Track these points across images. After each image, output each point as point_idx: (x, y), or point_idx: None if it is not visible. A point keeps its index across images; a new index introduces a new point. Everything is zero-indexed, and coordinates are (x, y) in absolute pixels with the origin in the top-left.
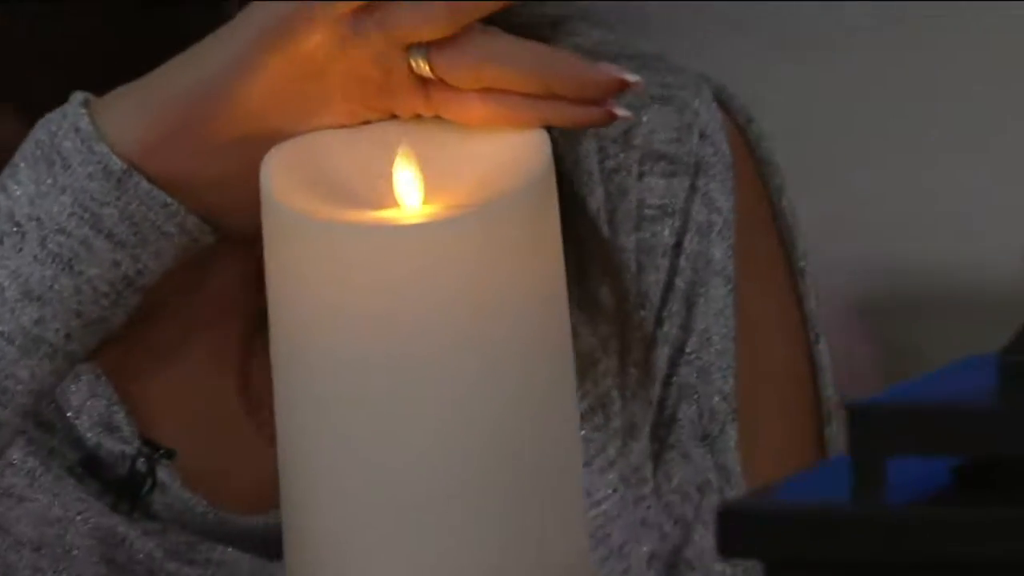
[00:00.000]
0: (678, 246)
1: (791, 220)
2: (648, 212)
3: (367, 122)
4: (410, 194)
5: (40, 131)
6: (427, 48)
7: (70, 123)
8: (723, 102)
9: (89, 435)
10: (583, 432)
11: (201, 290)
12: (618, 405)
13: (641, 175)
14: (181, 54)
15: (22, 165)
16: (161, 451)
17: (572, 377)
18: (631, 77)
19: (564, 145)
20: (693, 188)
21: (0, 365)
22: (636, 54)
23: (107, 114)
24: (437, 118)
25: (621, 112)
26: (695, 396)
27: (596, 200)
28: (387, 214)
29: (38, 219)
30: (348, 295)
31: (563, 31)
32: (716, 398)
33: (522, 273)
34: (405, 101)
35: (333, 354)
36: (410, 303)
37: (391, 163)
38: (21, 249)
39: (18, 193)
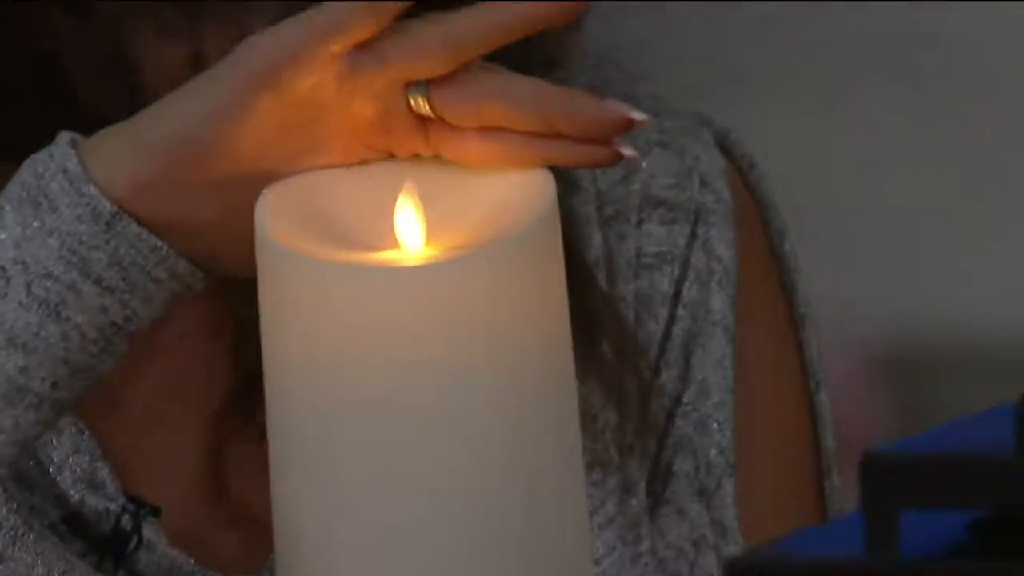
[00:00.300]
0: (677, 295)
1: (792, 265)
2: (646, 260)
3: (365, 161)
4: (411, 235)
5: (26, 172)
6: (426, 86)
7: (57, 164)
8: (725, 146)
9: (72, 492)
10: None
11: (184, 345)
12: (616, 461)
13: (640, 222)
14: (171, 93)
15: (7, 207)
16: (146, 508)
17: (577, 420)
18: (638, 115)
19: (560, 190)
20: (693, 235)
21: None
22: (636, 95)
23: (96, 155)
24: (437, 157)
25: (628, 151)
26: (692, 449)
27: (594, 248)
28: (387, 255)
29: (24, 263)
30: (346, 337)
31: (562, 69)
32: (713, 451)
33: (526, 314)
34: (404, 140)
35: (329, 398)
36: (410, 346)
37: (391, 203)
38: (6, 295)
39: (3, 237)
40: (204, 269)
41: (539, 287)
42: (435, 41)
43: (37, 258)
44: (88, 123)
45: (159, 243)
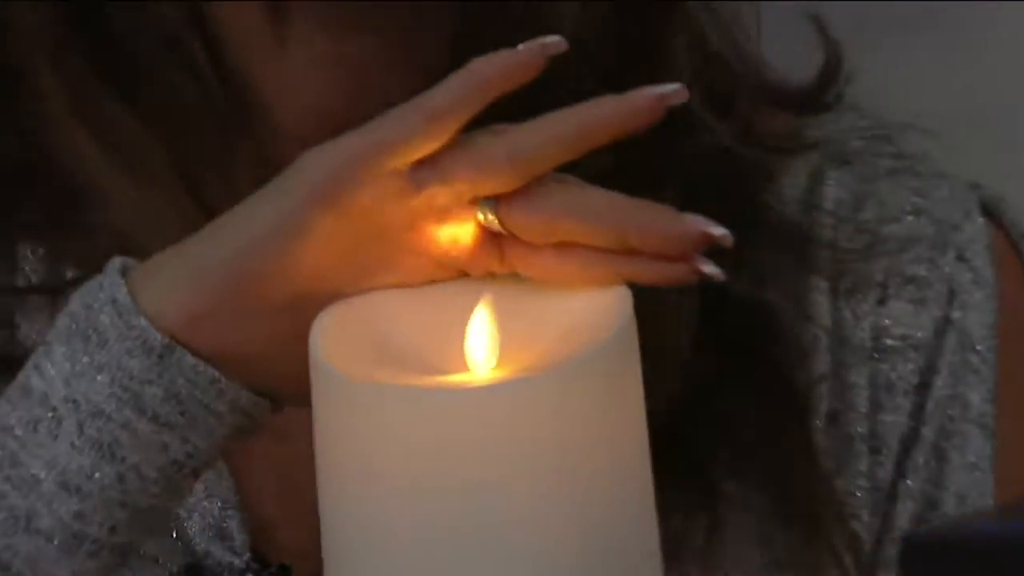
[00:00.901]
0: (925, 387)
1: None
2: (888, 343)
3: (438, 280)
4: (480, 356)
5: (75, 303)
6: (495, 201)
7: (107, 295)
8: (994, 215)
9: (198, 540)
10: None
11: None
12: None
13: (882, 299)
14: (225, 214)
15: (56, 342)
16: (273, 568)
17: (657, 547)
18: (717, 231)
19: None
20: (946, 320)
21: (39, 567)
22: (897, 153)
23: (147, 283)
24: (513, 274)
25: (709, 269)
26: None
27: (819, 323)
28: (450, 378)
29: (74, 401)
30: (405, 461)
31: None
32: None
33: (598, 437)
34: (476, 258)
35: (388, 524)
36: (473, 469)
37: (461, 323)
38: (57, 436)
39: (52, 373)
40: (268, 397)
41: (613, 408)
42: (500, 156)
43: (87, 396)
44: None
45: (217, 374)
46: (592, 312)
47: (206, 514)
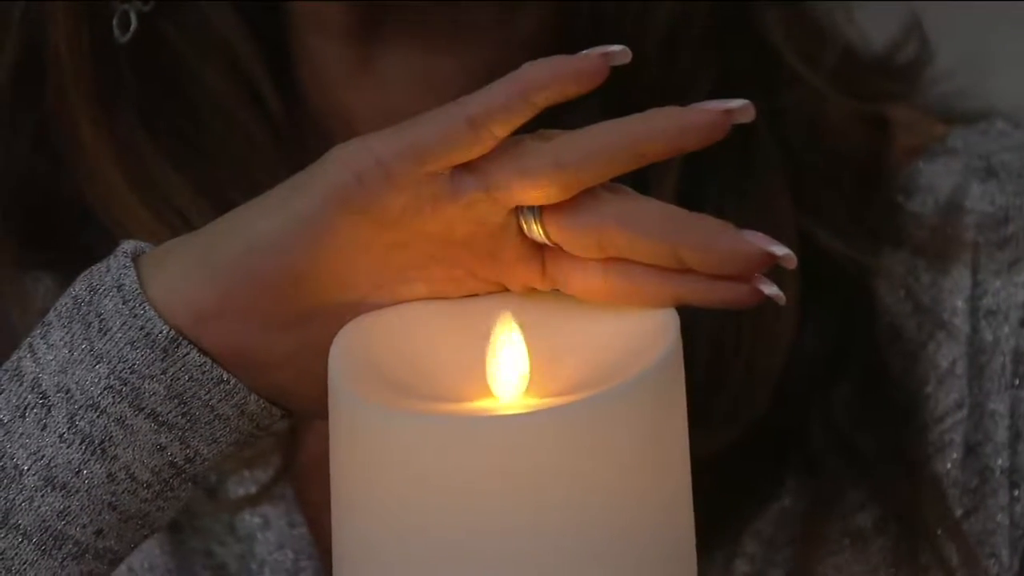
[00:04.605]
0: None
1: None
2: None
3: (473, 295)
4: (508, 382)
5: (80, 285)
6: (540, 209)
7: (113, 278)
8: None
9: None
10: None
11: None
12: None
13: None
14: (244, 205)
15: (55, 323)
16: None
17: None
18: (779, 250)
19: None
20: None
21: (13, 567)
22: None
23: (157, 270)
24: (553, 291)
25: (769, 291)
26: None
27: (956, 347)
28: (474, 405)
29: (68, 391)
30: (423, 491)
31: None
32: None
33: (636, 470)
34: (516, 271)
35: (405, 557)
36: (496, 511)
37: (491, 344)
38: (46, 426)
39: (48, 358)
40: (281, 406)
41: (652, 443)
42: (547, 164)
43: (82, 386)
44: None
45: (225, 375)
46: (636, 336)
47: (278, 568)
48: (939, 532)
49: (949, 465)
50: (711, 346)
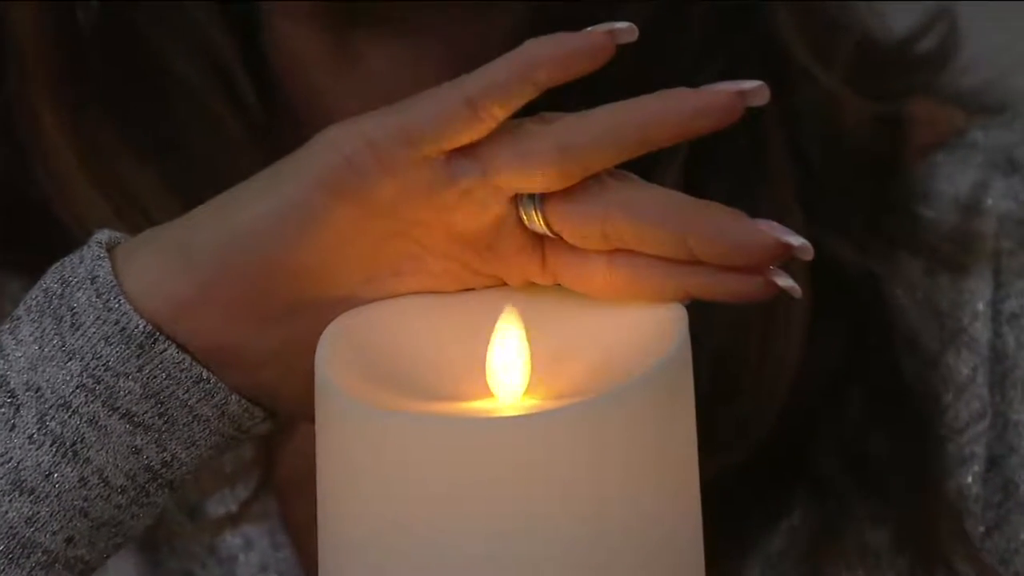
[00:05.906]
0: None
1: None
2: None
3: (469, 288)
4: (507, 381)
5: (50, 277)
6: (541, 197)
7: (87, 270)
8: None
9: None
10: None
11: None
12: None
13: None
14: (228, 191)
15: (24, 318)
16: None
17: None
18: (795, 240)
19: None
20: None
21: None
22: None
23: (134, 261)
24: (554, 286)
25: (783, 283)
26: None
27: (977, 353)
28: (471, 406)
29: (37, 389)
30: (418, 501)
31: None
32: None
33: (641, 479)
34: (515, 264)
35: (393, 564)
36: (493, 515)
37: (488, 340)
38: (14, 426)
39: (17, 354)
40: (264, 407)
41: (658, 446)
42: (548, 148)
43: (53, 385)
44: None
45: (205, 374)
46: (642, 333)
47: None
48: (957, 551)
49: (970, 479)
50: (716, 361)
